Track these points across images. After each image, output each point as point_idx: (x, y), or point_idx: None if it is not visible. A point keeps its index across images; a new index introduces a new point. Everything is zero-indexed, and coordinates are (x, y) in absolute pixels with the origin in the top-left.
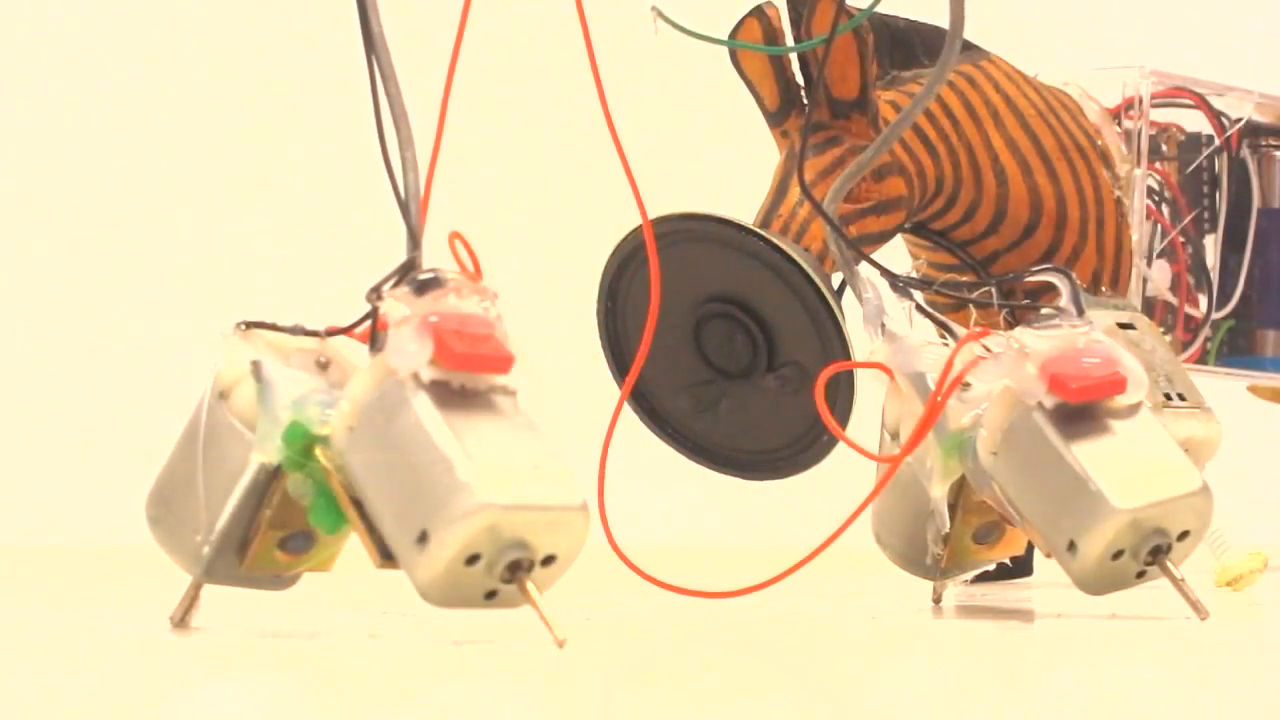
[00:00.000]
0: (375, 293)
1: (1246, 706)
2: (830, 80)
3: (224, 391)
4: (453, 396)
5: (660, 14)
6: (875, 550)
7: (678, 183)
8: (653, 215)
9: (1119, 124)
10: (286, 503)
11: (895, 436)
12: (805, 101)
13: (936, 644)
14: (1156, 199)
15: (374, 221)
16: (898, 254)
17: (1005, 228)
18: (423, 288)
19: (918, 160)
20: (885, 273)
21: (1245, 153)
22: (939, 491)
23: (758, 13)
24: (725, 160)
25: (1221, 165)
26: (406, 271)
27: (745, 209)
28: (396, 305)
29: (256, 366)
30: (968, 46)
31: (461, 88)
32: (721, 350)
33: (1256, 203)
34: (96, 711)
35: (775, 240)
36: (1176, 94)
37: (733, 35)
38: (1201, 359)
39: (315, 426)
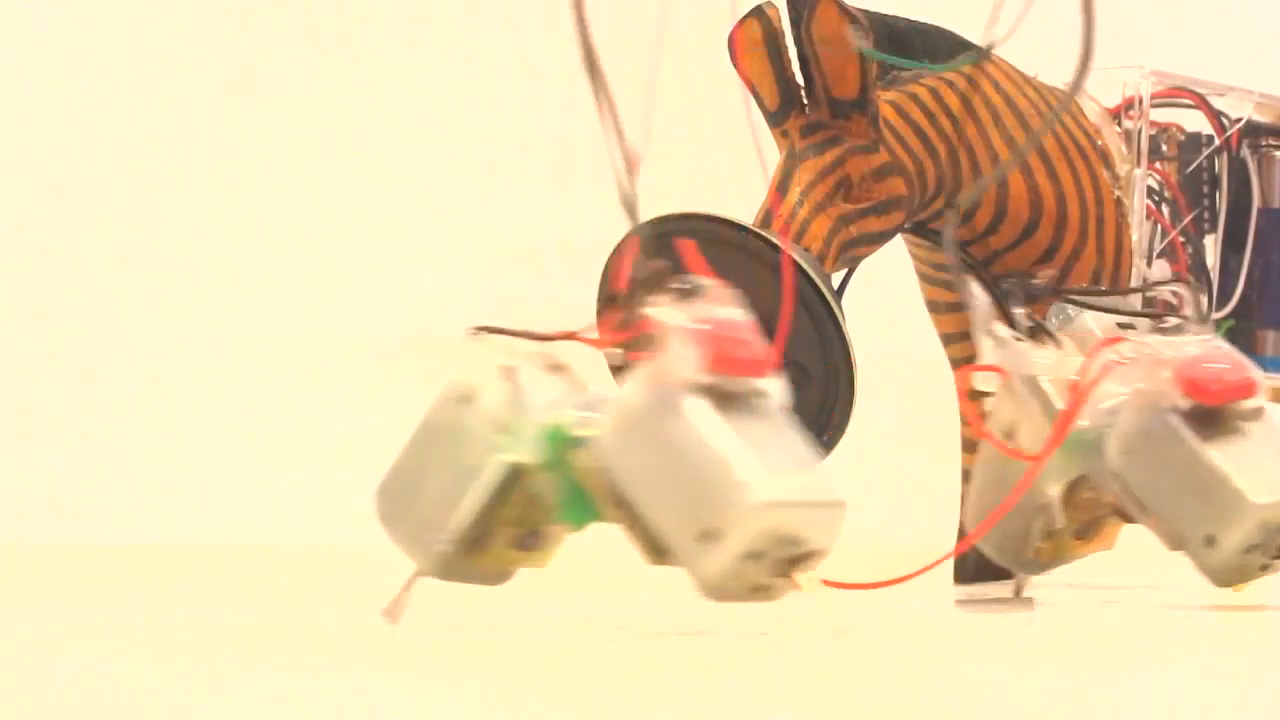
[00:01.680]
0: (633, 300)
1: (1246, 706)
2: (830, 80)
3: (466, 395)
4: (721, 399)
5: None
6: (882, 549)
7: (677, 183)
8: (652, 215)
9: (1119, 124)
10: (527, 501)
11: (1009, 436)
12: (805, 101)
13: (938, 644)
14: (1156, 199)
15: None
16: (898, 254)
17: (1005, 227)
18: (685, 295)
19: (918, 161)
20: (986, 280)
21: (1245, 153)
22: (1055, 490)
23: (758, 13)
24: (725, 160)
25: (1221, 165)
26: (658, 280)
27: (745, 209)
28: (668, 313)
29: (510, 372)
30: (967, 46)
31: (464, 91)
32: None
33: (1256, 203)
34: (97, 711)
35: (775, 240)
36: (1176, 94)
37: (733, 35)
38: None
39: (572, 428)
